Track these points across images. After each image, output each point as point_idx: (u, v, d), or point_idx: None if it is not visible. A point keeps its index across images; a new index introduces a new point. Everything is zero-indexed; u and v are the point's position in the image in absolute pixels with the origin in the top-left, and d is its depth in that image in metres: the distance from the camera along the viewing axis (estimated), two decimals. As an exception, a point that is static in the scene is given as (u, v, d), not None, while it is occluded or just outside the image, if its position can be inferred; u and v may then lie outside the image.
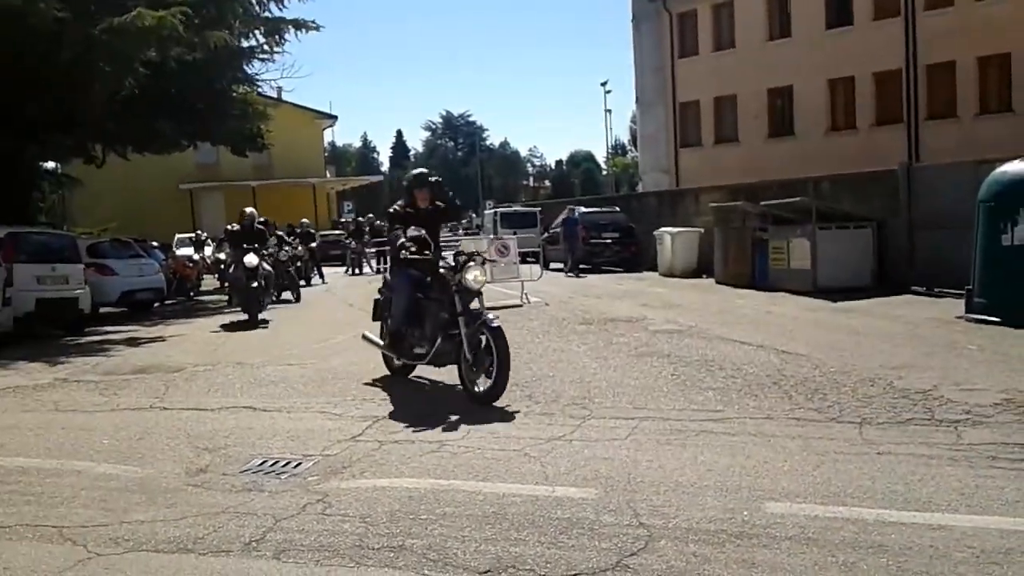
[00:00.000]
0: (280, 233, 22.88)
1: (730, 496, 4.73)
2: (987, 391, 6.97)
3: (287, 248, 21.07)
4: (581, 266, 24.10)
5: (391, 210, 8.38)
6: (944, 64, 26.83)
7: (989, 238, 11.07)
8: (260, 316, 14.73)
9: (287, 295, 18.99)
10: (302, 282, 22.10)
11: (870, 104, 28.97)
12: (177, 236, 29.16)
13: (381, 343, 8.82)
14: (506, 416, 6.85)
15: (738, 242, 17.92)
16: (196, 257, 23.86)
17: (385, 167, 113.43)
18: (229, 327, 14.46)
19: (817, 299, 14.35)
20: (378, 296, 9.09)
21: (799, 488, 4.83)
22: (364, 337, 9.23)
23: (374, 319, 9.14)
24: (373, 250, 29.52)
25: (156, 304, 19.30)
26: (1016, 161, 11.32)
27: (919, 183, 15.27)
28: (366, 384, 8.49)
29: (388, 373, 8.83)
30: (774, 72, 30.97)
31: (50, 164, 26.51)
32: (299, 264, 22.80)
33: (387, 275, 9.27)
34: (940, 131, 26.63)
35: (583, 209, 26.20)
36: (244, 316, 14.76)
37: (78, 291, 14.85)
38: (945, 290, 13.68)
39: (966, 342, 9.57)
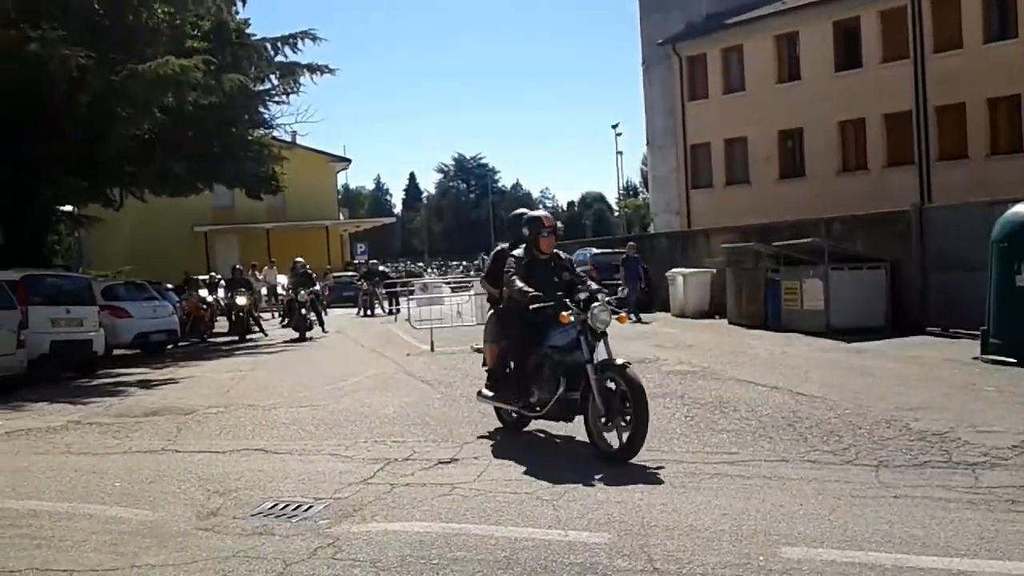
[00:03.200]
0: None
1: (745, 541, 4.67)
2: (1005, 433, 6.88)
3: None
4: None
5: (513, 255, 7.54)
6: (954, 105, 26.93)
7: (1003, 278, 11.01)
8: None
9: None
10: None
11: (881, 145, 29.04)
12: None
13: (490, 395, 7.88)
14: (521, 459, 6.81)
15: (750, 283, 17.87)
16: (210, 299, 23.94)
17: (398, 209, 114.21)
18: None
19: (831, 340, 14.27)
20: (485, 345, 8.12)
21: (815, 532, 4.77)
22: (480, 395, 8.11)
23: (487, 369, 8.05)
24: (384, 291, 29.59)
25: (170, 346, 19.36)
26: (1029, 201, 11.30)
27: (931, 223, 15.24)
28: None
29: (499, 425, 8.05)
30: (784, 114, 31.15)
31: (67, 207, 26.77)
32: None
33: (492, 320, 8.12)
34: (951, 172, 26.64)
35: (594, 250, 26.26)
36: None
37: (92, 333, 14.93)
38: (960, 331, 13.57)
39: (983, 383, 9.48)
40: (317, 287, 23.15)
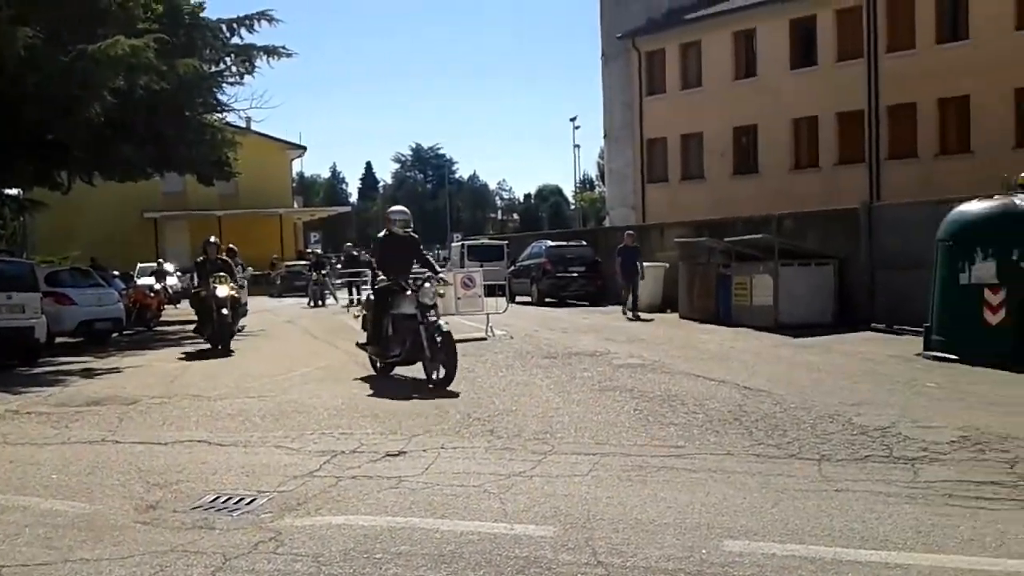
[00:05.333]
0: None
1: (689, 534, 4.69)
2: (944, 428, 7.02)
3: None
4: (547, 299, 24.08)
5: None
6: (905, 105, 27.43)
7: (947, 277, 11.24)
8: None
9: None
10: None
11: (833, 143, 29.49)
12: (139, 265, 28.82)
13: None
14: (468, 452, 6.79)
15: (702, 278, 18.04)
16: (157, 287, 23.50)
17: (354, 198, 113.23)
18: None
19: (779, 335, 14.45)
20: None
21: (758, 526, 4.81)
22: None
23: None
24: (339, 281, 29.24)
25: (115, 334, 18.97)
26: (974, 201, 11.55)
27: (880, 221, 15.50)
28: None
29: None
30: (739, 111, 31.46)
31: (12, 191, 26.07)
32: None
33: None
34: (901, 171, 27.14)
35: (549, 243, 26.31)
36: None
37: (34, 320, 14.55)
38: (904, 327, 13.84)
39: (924, 379, 9.67)
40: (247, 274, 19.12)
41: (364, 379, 10.74)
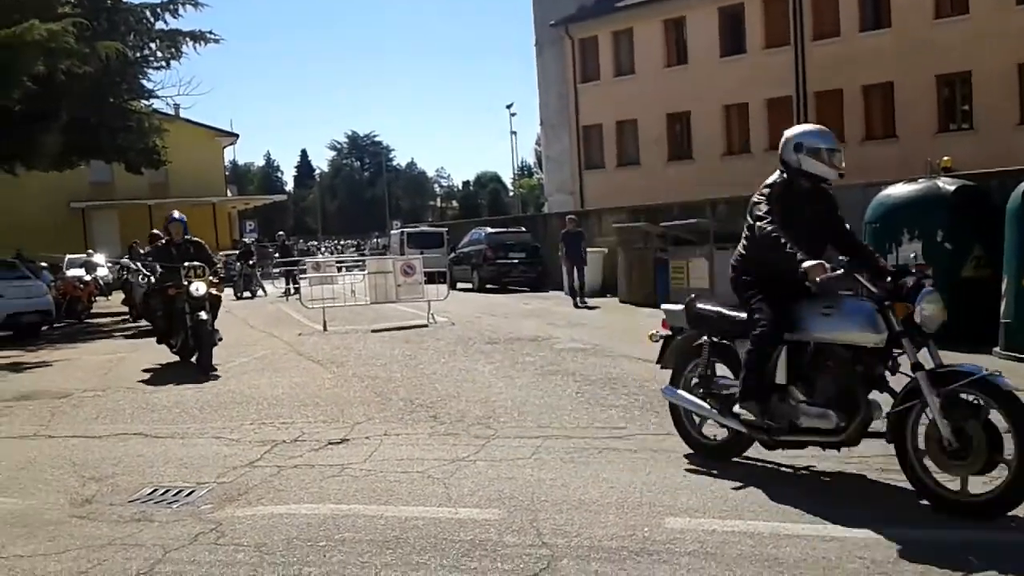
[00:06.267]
0: None
1: (631, 513, 4.77)
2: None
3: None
4: (488, 285, 24.11)
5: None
6: (832, 92, 28.07)
7: (875, 258, 11.54)
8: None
9: None
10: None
11: (763, 129, 30.00)
12: (68, 257, 27.96)
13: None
14: (412, 438, 6.78)
15: (640, 262, 18.24)
16: (87, 278, 22.86)
17: (289, 186, 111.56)
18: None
19: (716, 317, 14.67)
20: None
21: (698, 503, 4.91)
22: None
23: None
24: (277, 271, 28.78)
25: (44, 327, 18.39)
26: (899, 184, 11.86)
27: (810, 205, 15.83)
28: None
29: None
30: (672, 98, 31.83)
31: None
32: None
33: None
34: (830, 156, 27.77)
35: (489, 229, 26.32)
36: None
37: (-43, 315, 14.05)
38: (835, 308, 14.18)
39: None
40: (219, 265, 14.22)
41: (303, 368, 8.98)
